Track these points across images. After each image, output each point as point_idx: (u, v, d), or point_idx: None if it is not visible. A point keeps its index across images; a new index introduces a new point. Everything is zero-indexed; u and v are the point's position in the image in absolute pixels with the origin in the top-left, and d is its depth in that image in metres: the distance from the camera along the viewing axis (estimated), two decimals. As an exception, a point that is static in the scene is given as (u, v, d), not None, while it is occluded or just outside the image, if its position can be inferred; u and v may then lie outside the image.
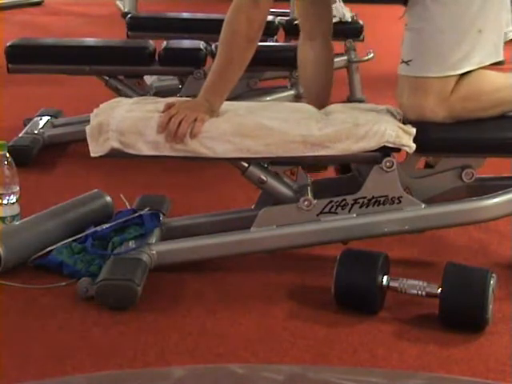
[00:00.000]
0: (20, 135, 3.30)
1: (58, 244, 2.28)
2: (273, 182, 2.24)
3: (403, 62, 2.23)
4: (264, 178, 2.23)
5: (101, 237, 2.30)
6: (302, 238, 2.24)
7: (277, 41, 4.10)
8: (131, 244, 2.22)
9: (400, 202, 2.22)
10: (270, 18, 3.85)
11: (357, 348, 1.93)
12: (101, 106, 2.30)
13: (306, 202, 2.20)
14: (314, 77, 2.50)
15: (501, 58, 2.24)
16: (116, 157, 2.17)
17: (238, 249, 2.26)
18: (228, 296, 2.16)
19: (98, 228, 2.33)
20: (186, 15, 4.48)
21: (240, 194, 2.60)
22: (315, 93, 2.50)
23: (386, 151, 2.18)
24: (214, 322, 2.03)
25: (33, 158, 3.17)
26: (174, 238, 2.28)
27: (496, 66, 2.25)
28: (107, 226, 2.33)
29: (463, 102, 2.20)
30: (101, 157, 2.15)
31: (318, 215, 2.21)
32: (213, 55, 3.42)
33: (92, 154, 2.16)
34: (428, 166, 2.39)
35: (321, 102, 2.40)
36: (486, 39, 2.19)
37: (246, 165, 2.22)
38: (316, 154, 2.14)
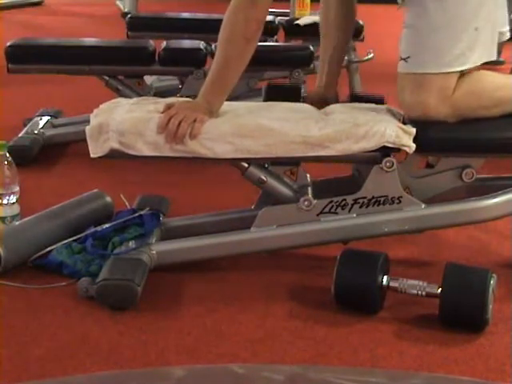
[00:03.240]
0: (20, 135, 3.31)
1: (58, 244, 2.28)
2: (273, 182, 2.24)
3: (402, 59, 2.23)
4: (264, 178, 2.23)
5: (101, 237, 2.30)
6: (302, 237, 2.24)
7: (277, 41, 4.10)
8: (131, 244, 2.23)
9: (400, 202, 2.22)
10: (270, 17, 3.86)
11: (357, 348, 1.93)
12: (101, 106, 2.30)
13: (306, 202, 2.20)
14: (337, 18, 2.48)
15: (494, 58, 2.25)
16: (116, 157, 2.17)
17: (238, 249, 2.26)
18: (228, 296, 2.16)
19: (98, 228, 2.33)
20: (185, 15, 4.49)
21: (240, 194, 2.60)
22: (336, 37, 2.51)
23: (385, 151, 2.18)
24: (213, 321, 2.03)
25: (33, 157, 3.17)
26: (173, 238, 2.28)
27: (496, 65, 2.25)
28: (107, 225, 2.33)
29: (466, 99, 2.20)
30: (100, 157, 2.15)
31: (318, 215, 2.22)
32: (213, 55, 3.41)
33: (92, 155, 2.16)
34: (429, 165, 2.38)
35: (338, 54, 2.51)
36: (482, 38, 2.19)
37: (246, 165, 2.22)
38: (316, 154, 2.14)
